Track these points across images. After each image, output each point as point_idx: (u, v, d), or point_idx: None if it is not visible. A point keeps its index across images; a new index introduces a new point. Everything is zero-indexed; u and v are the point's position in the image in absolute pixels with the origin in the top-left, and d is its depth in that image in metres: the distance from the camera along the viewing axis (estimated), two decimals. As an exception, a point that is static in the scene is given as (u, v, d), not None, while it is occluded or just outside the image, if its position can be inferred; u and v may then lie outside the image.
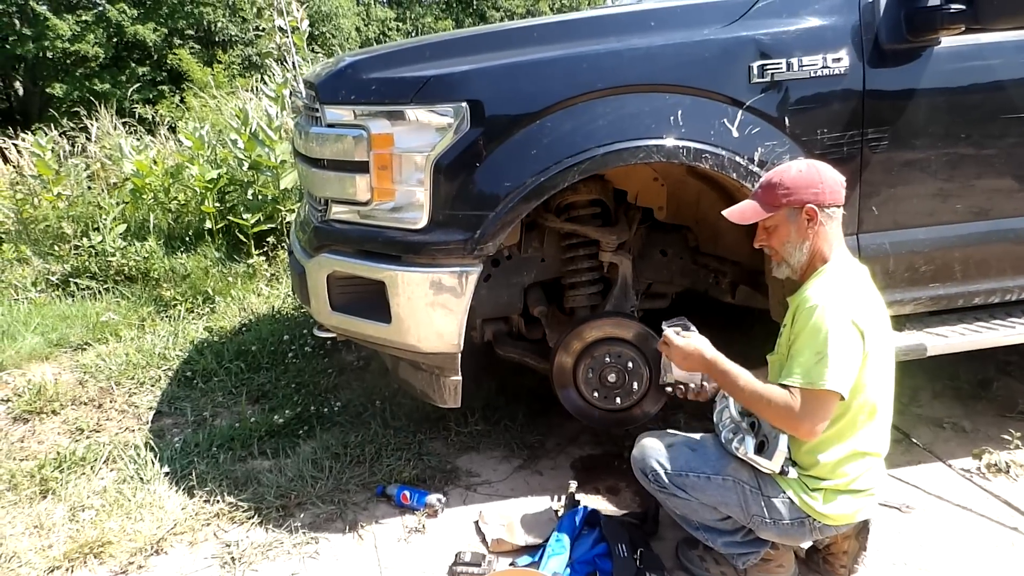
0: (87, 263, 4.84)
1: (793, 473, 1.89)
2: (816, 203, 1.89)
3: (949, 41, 2.25)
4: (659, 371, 2.26)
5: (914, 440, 2.78)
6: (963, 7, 2.13)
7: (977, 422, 2.90)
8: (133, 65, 21.22)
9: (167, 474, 2.70)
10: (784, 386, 1.81)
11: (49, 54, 19.97)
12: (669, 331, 2.08)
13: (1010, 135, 2.37)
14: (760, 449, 1.91)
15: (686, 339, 2.04)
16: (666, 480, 2.02)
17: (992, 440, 2.73)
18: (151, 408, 3.30)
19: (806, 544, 2.10)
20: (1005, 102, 2.33)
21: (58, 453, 2.86)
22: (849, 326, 1.79)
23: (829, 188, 1.90)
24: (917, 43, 2.24)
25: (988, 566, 2.15)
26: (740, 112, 2.19)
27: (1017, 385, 3.15)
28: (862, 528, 2.02)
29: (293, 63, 5.17)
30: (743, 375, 1.91)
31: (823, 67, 2.19)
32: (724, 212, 2.02)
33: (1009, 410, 2.96)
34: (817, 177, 1.90)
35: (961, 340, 2.43)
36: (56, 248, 5.11)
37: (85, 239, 4.98)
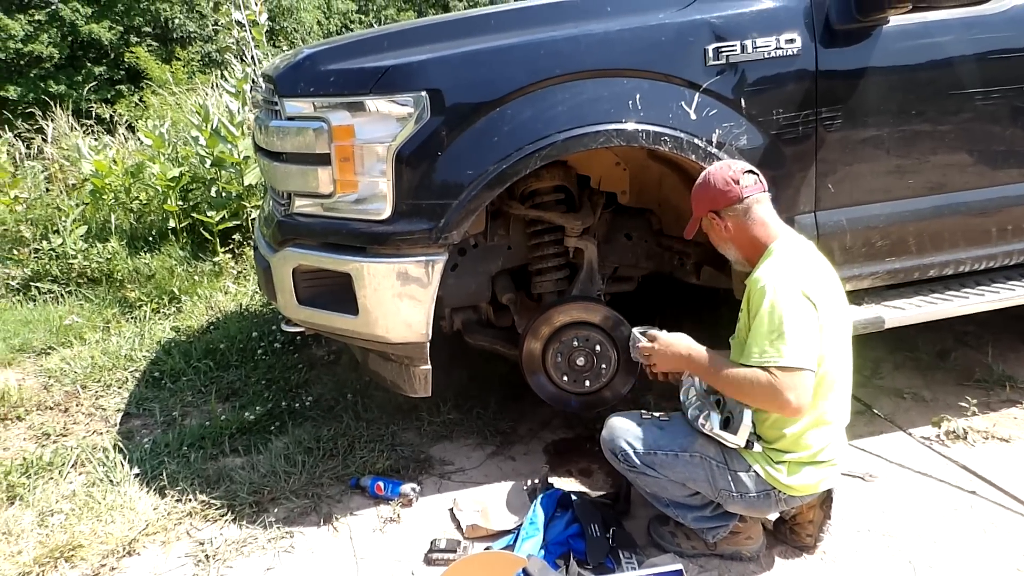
0: (48, 266, 4.75)
1: (758, 447, 1.94)
2: (713, 210, 2.00)
3: (897, 20, 2.30)
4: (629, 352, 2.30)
5: (876, 411, 2.85)
6: (910, -14, 2.18)
7: (936, 391, 2.98)
8: (89, 65, 20.68)
9: (137, 475, 2.67)
10: (763, 367, 1.84)
11: (1, 55, 19.42)
12: (653, 330, 2.13)
13: (959, 111, 2.43)
14: (726, 425, 1.95)
15: (668, 337, 2.09)
16: (635, 459, 2.06)
17: (951, 408, 2.81)
18: (119, 410, 3.26)
19: (773, 516, 2.15)
20: (953, 78, 2.39)
21: (24, 459, 2.81)
22: (800, 298, 1.83)
23: (717, 192, 1.99)
24: (866, 23, 2.28)
25: (948, 528, 2.22)
26: (697, 94, 2.22)
27: (974, 354, 3.24)
28: (826, 498, 2.07)
29: (252, 57, 5.11)
30: (725, 364, 1.95)
31: (776, 48, 2.23)
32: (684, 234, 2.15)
33: (967, 378, 3.05)
34: (706, 187, 2.02)
35: (918, 312, 2.50)
36: (15, 252, 5.00)
37: (45, 242, 4.89)
